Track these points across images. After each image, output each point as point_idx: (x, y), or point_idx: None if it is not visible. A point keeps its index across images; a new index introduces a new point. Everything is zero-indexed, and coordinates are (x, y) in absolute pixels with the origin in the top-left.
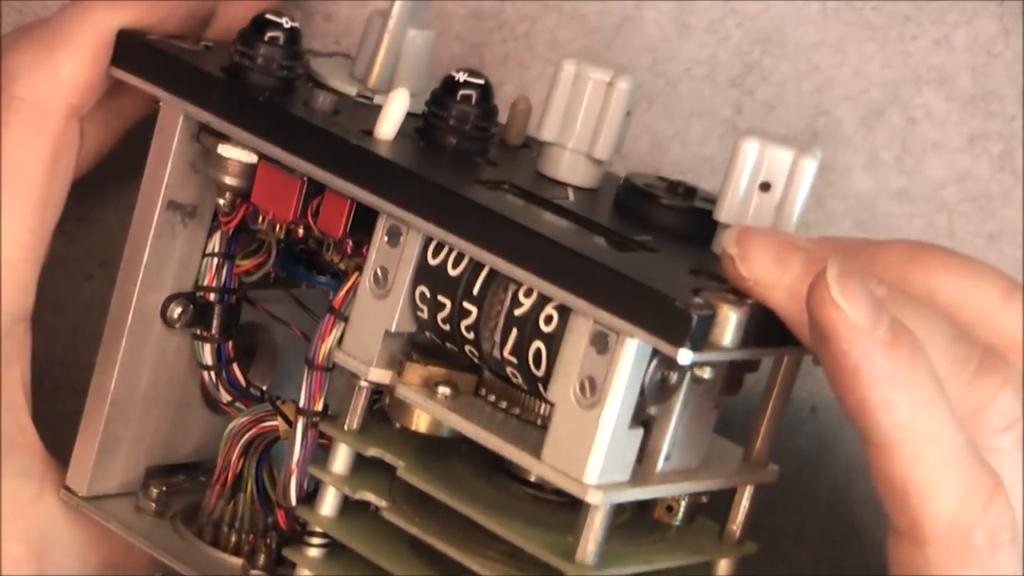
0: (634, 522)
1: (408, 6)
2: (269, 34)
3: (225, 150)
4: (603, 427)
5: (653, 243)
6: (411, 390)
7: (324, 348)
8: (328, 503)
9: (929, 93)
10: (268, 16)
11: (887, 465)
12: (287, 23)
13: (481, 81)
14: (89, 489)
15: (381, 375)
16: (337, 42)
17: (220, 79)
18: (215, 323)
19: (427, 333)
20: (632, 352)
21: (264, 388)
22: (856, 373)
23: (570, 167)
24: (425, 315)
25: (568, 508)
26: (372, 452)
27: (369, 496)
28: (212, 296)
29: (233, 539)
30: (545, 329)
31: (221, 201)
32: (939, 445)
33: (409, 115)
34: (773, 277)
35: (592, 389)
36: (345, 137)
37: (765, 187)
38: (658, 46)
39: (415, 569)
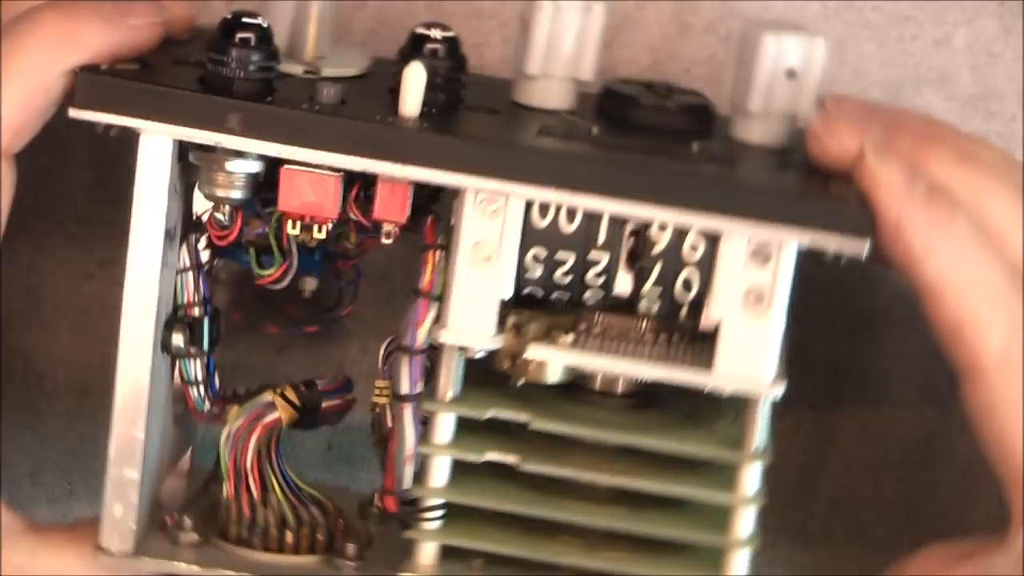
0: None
1: None
2: (240, 36)
3: (235, 165)
4: (775, 329)
5: (715, 151)
6: (544, 346)
7: (422, 332)
8: (437, 475)
9: (929, 93)
10: (239, 18)
11: (939, 310)
12: (258, 20)
13: (450, 33)
14: (130, 544)
15: (495, 342)
16: (337, 41)
17: (227, 96)
18: (205, 338)
19: (527, 289)
20: (793, 255)
21: (236, 389)
22: (898, 227)
23: (563, 93)
24: (537, 274)
25: (644, 408)
26: (491, 413)
27: (495, 456)
28: (196, 311)
29: (290, 539)
30: (693, 257)
31: (220, 216)
32: (982, 286)
33: (347, 79)
34: (855, 148)
35: (759, 299)
36: (405, 126)
37: (791, 74)
38: (658, 46)
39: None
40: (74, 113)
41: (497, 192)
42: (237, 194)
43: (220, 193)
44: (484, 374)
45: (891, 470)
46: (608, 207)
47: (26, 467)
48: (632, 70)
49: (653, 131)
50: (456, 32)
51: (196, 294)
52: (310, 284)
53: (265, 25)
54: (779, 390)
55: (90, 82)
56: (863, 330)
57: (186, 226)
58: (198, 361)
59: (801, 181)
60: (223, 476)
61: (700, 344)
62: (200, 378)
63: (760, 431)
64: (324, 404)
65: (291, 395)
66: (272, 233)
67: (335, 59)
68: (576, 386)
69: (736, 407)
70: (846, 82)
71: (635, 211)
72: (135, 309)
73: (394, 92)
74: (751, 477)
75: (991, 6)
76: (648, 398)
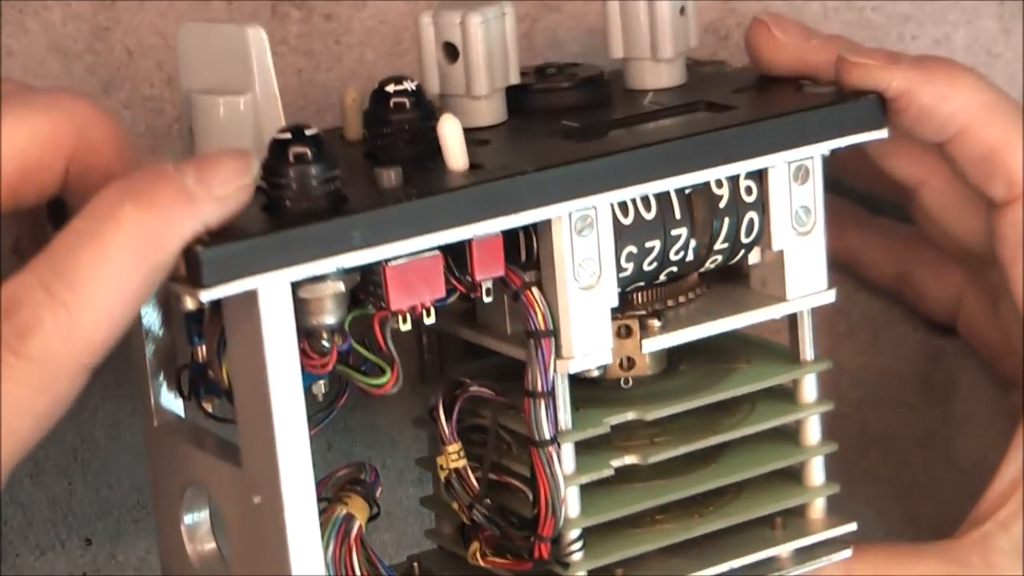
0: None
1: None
2: (295, 151)
3: (345, 282)
4: (821, 243)
5: (668, 103)
6: (658, 338)
7: (551, 369)
8: (572, 506)
9: None
10: (293, 132)
11: (968, 145)
12: (311, 131)
13: (412, 86)
14: None
15: (610, 355)
16: (337, 41)
17: (343, 215)
18: None
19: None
20: (821, 164)
21: None
22: (904, 94)
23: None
24: (629, 271)
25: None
26: (609, 422)
27: (628, 459)
28: None
29: None
30: (749, 199)
31: (324, 342)
32: (1000, 112)
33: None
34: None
35: (806, 216)
36: (490, 177)
37: (682, 11)
38: None
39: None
40: (206, 296)
41: (590, 206)
42: (336, 317)
43: (324, 320)
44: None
45: (891, 469)
46: (684, 181)
47: (26, 467)
48: None
49: (566, 110)
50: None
51: None
52: (320, 387)
53: (319, 134)
54: (832, 295)
55: (214, 259)
56: (863, 330)
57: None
58: None
59: (786, 94)
60: None
61: (732, 282)
62: None
63: (810, 340)
64: (379, 492)
65: (357, 496)
66: (356, 342)
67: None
68: (594, 382)
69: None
70: None
71: (706, 177)
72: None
73: (371, 157)
74: (810, 386)
75: (991, 6)
76: (670, 372)
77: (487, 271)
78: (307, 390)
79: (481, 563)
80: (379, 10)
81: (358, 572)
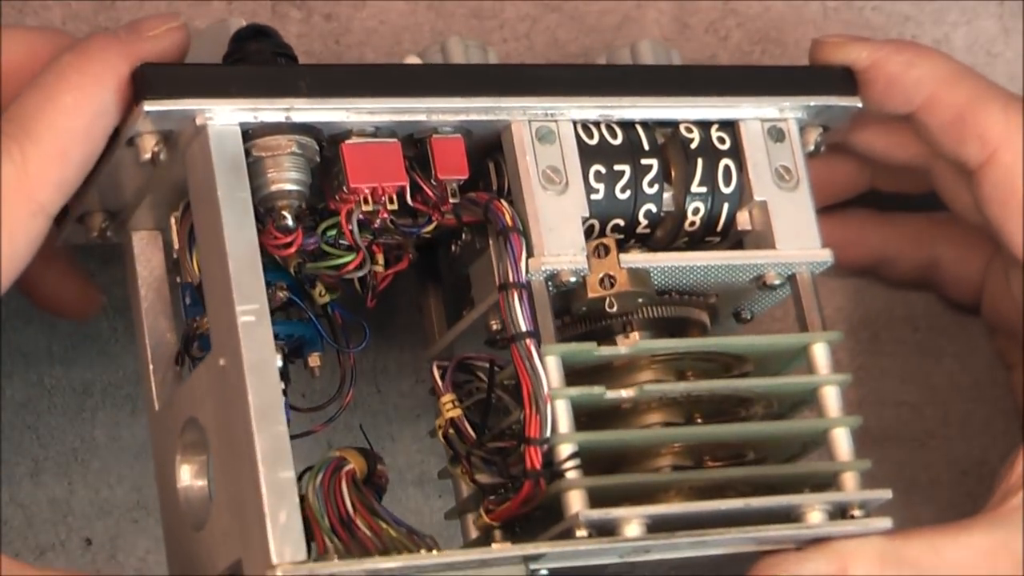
0: None
1: None
2: (256, 37)
3: (300, 145)
4: (807, 200)
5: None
6: (638, 254)
7: (523, 263)
8: (565, 421)
9: None
10: (249, 27)
11: (938, 110)
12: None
13: None
14: (303, 551)
15: (586, 264)
16: (337, 41)
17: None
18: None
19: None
20: (797, 129)
21: None
22: (872, 65)
23: None
24: (601, 194)
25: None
26: (600, 351)
27: (623, 392)
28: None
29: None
30: (722, 148)
31: (286, 215)
32: (966, 76)
33: None
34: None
35: (787, 175)
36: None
37: None
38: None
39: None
40: (149, 107)
41: (549, 117)
42: (297, 185)
43: (281, 186)
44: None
45: (891, 469)
46: (647, 111)
47: (26, 467)
48: None
49: None
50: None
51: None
52: (315, 360)
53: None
54: (828, 254)
55: (156, 73)
56: (863, 330)
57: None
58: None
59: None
60: (326, 537)
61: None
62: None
63: (815, 305)
64: (379, 468)
65: (353, 452)
66: (323, 243)
67: None
68: (606, 333)
69: None
70: None
71: (669, 106)
72: (248, 299)
73: None
74: (823, 355)
75: (991, 6)
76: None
77: (450, 170)
78: (304, 360)
79: (488, 520)
80: (379, 10)
81: (347, 498)
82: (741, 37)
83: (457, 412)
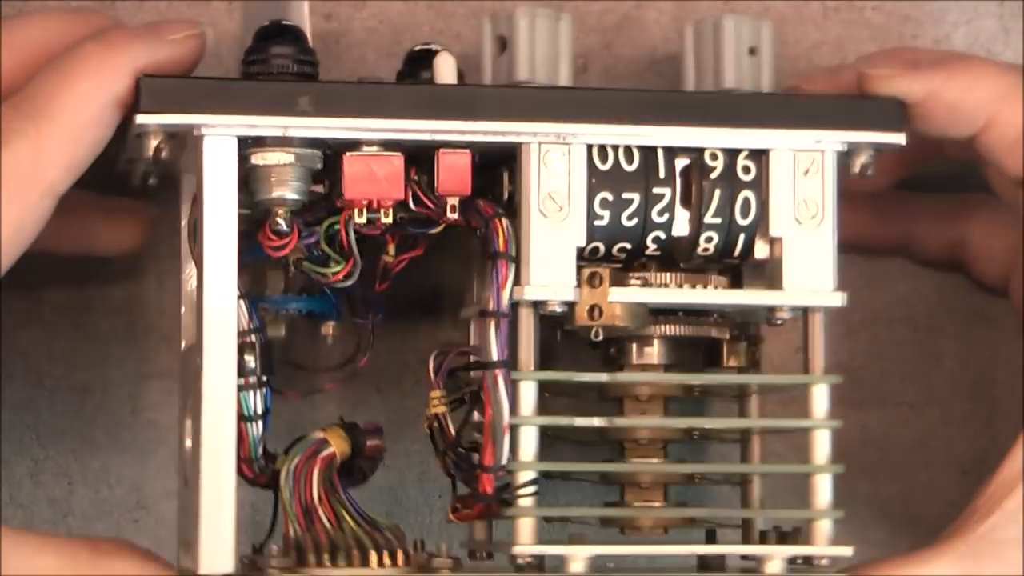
0: None
1: None
2: (277, 39)
3: (298, 156)
4: (830, 237)
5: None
6: (626, 289)
7: (506, 293)
8: (527, 447)
9: None
10: (276, 24)
11: (1000, 132)
12: (291, 23)
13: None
14: (231, 565)
15: (575, 294)
16: (337, 41)
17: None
18: (258, 365)
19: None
20: (834, 163)
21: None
22: (928, 97)
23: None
24: (606, 220)
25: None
26: (578, 377)
27: (584, 421)
28: (251, 338)
29: (374, 559)
30: (746, 178)
31: (281, 221)
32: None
33: None
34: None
35: (811, 209)
36: (477, 84)
37: (752, 51)
38: (658, 46)
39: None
40: (142, 119)
41: (561, 140)
42: (295, 194)
43: (278, 193)
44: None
45: (891, 469)
46: (667, 136)
47: (26, 467)
48: (632, 69)
49: None
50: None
51: (251, 322)
52: (331, 328)
53: (296, 26)
54: (840, 298)
55: (153, 85)
56: (863, 330)
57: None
58: (258, 393)
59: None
60: (289, 517)
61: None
62: (259, 412)
63: (822, 347)
64: (368, 443)
65: (340, 432)
66: (324, 239)
67: None
68: (613, 362)
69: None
70: None
71: (694, 137)
72: (216, 312)
73: None
74: (821, 398)
75: (991, 6)
76: (681, 367)
77: (452, 187)
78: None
79: (453, 519)
80: (379, 10)
81: (315, 485)
82: None
83: (442, 409)
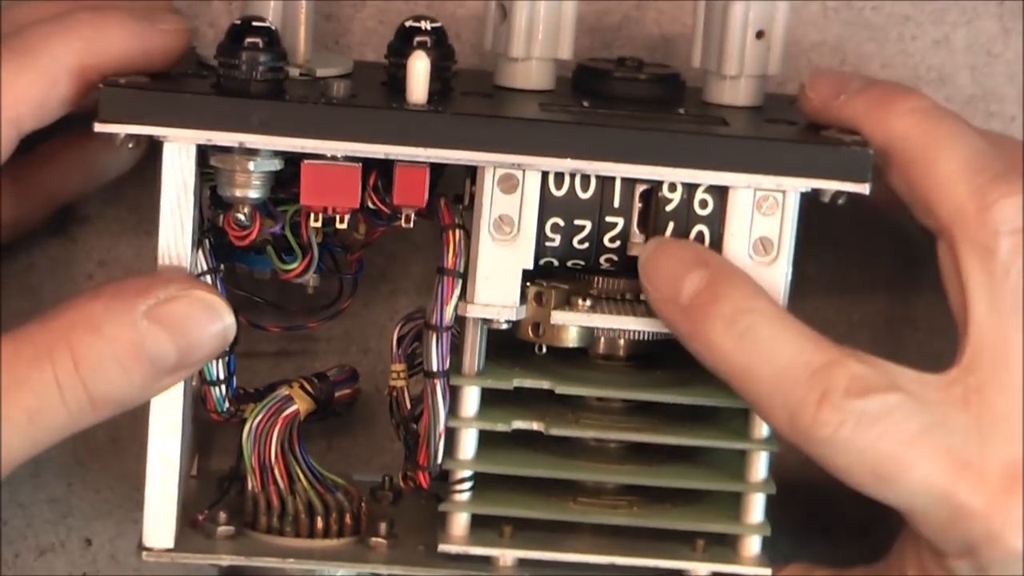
0: None
1: None
2: (250, 39)
3: (256, 164)
4: (784, 275)
5: (701, 113)
6: (566, 312)
7: (450, 309)
8: (466, 448)
9: (929, 93)
10: (248, 22)
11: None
12: (266, 24)
13: (438, 24)
14: (171, 540)
15: (519, 313)
16: (337, 42)
17: (247, 97)
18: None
19: (543, 260)
20: (795, 203)
21: (246, 389)
22: (844, 107)
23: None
24: (556, 243)
25: (648, 369)
26: (516, 383)
27: (521, 424)
28: None
29: (320, 524)
30: (702, 212)
31: (241, 216)
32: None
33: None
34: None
35: (767, 247)
36: (423, 111)
37: (760, 35)
38: (658, 46)
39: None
40: (100, 127)
41: (516, 167)
42: (257, 193)
43: (240, 193)
44: (501, 347)
45: None
46: (622, 172)
47: (26, 467)
48: None
49: (632, 101)
50: (441, 23)
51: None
52: (313, 279)
53: (273, 28)
54: None
55: (114, 95)
56: (863, 329)
57: (199, 231)
58: (220, 361)
59: (794, 133)
60: (248, 471)
61: None
62: (222, 377)
63: None
64: (336, 394)
65: (307, 387)
66: (288, 229)
67: (319, 60)
68: (582, 352)
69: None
70: None
71: (650, 174)
72: None
73: (388, 85)
74: (761, 423)
75: (991, 6)
76: (647, 359)
77: (407, 200)
78: (295, 285)
79: (402, 484)
80: (379, 10)
81: (274, 447)
82: None
83: (401, 383)
